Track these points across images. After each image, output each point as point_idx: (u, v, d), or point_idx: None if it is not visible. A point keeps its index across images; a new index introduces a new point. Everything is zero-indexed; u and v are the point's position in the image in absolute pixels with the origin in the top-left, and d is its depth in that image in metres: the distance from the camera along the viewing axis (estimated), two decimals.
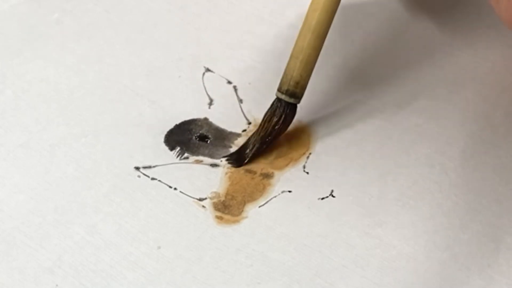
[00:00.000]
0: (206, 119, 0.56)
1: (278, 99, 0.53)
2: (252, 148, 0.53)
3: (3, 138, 0.55)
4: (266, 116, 0.53)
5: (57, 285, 0.47)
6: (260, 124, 0.53)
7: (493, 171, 0.52)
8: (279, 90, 0.53)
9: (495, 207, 0.50)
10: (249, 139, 0.53)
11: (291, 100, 0.53)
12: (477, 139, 0.54)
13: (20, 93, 0.58)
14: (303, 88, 0.53)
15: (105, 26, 0.63)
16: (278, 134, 0.54)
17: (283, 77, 0.53)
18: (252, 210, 0.51)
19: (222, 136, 0.55)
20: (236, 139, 0.55)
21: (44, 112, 0.57)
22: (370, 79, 0.58)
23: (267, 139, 0.53)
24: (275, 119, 0.53)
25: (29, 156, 0.54)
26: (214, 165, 0.53)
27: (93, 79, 0.59)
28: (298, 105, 0.54)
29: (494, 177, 0.51)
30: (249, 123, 0.55)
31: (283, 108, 0.53)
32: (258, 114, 0.56)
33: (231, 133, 0.55)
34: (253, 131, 0.54)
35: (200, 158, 0.54)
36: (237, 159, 0.53)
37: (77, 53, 0.61)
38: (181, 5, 0.64)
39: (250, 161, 0.53)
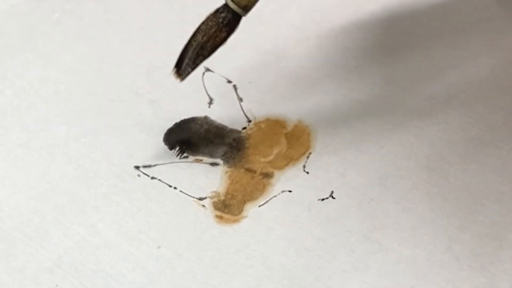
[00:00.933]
0: (206, 117, 0.56)
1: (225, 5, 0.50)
2: (192, 59, 0.51)
3: (3, 138, 0.55)
4: (208, 21, 0.50)
5: (57, 285, 0.47)
6: (199, 28, 0.51)
7: (495, 172, 0.52)
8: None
9: (497, 206, 0.50)
10: (186, 47, 0.51)
11: (239, 11, 0.50)
12: (477, 143, 0.53)
13: (20, 93, 0.58)
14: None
15: (105, 26, 0.63)
16: (219, 43, 0.51)
17: None
18: (252, 210, 0.50)
19: (222, 134, 0.55)
20: (237, 135, 0.55)
21: (44, 112, 0.57)
22: (371, 80, 0.58)
23: (207, 47, 0.51)
24: (220, 25, 0.50)
25: (29, 156, 0.54)
26: (214, 164, 0.53)
27: (93, 79, 0.59)
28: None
29: (495, 178, 0.51)
30: (249, 121, 0.55)
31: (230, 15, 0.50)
32: (258, 112, 0.56)
33: (231, 130, 0.55)
34: (254, 129, 0.54)
35: (200, 157, 0.54)
36: (178, 69, 0.51)
37: (77, 53, 0.61)
38: (181, 5, 0.64)
39: (188, 73, 0.51)
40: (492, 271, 0.47)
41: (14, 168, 0.53)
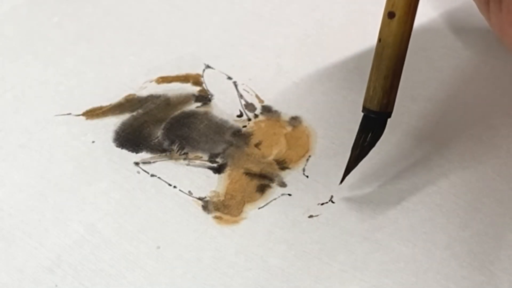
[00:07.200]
0: (206, 113, 0.56)
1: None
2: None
3: (3, 139, 0.55)
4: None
5: (56, 285, 0.47)
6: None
7: (494, 171, 0.52)
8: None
9: (496, 205, 0.50)
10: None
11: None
12: (476, 141, 0.54)
13: (20, 96, 0.58)
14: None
15: (105, 27, 0.63)
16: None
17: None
18: (251, 211, 0.50)
19: (222, 131, 0.55)
20: (236, 133, 0.55)
21: (44, 112, 0.57)
22: None
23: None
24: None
25: (29, 155, 0.54)
26: (214, 162, 0.53)
27: (93, 80, 0.59)
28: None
29: (494, 177, 0.51)
30: (249, 120, 0.55)
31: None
32: (258, 110, 0.56)
33: (231, 127, 0.55)
34: (253, 127, 0.55)
35: (200, 154, 0.53)
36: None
37: (77, 55, 0.61)
38: (181, 5, 0.64)
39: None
40: (492, 269, 0.47)
41: (13, 166, 0.53)
